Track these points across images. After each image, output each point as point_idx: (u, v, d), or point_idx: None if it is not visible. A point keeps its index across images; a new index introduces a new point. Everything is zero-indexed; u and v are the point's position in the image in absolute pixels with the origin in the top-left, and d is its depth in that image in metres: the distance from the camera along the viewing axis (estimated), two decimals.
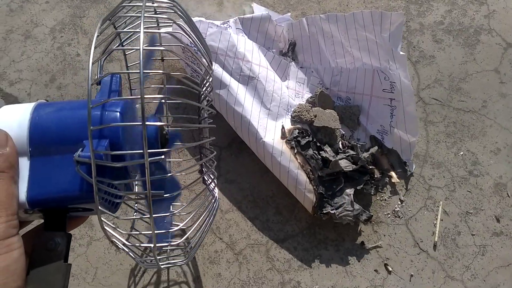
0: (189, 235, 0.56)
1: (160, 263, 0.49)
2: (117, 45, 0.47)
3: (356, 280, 0.88)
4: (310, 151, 0.90)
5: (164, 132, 0.46)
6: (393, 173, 0.96)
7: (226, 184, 0.97)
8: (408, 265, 0.89)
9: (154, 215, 0.37)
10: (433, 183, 0.96)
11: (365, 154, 0.94)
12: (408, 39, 1.09)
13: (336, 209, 0.88)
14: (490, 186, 0.94)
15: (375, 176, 0.95)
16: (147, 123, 0.35)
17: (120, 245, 0.47)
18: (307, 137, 0.92)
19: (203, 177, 0.61)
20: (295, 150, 0.90)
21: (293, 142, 0.91)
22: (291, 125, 0.94)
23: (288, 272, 0.89)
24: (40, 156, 0.38)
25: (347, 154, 0.93)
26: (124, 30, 0.44)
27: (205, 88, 0.56)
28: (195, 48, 0.53)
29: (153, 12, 0.46)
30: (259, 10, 1.09)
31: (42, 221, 0.39)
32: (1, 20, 1.17)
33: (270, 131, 0.92)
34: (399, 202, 0.94)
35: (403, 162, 0.97)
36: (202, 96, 0.57)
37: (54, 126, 0.38)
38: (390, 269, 0.88)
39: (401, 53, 0.90)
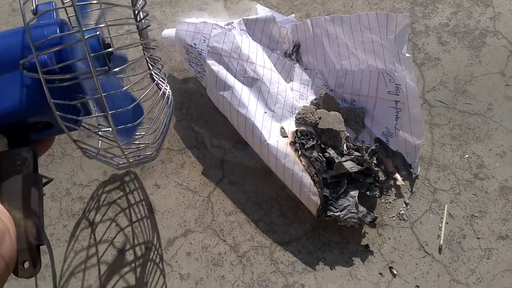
0: (151, 128, 0.59)
1: (131, 161, 0.54)
2: None
3: (360, 283, 0.87)
4: (315, 153, 0.90)
5: (106, 42, 0.49)
6: (398, 176, 0.96)
7: (229, 186, 0.97)
8: (413, 268, 0.88)
9: (110, 112, 0.41)
10: (438, 186, 0.95)
11: (369, 151, 0.94)
12: (413, 41, 1.09)
13: (341, 211, 0.87)
14: (496, 189, 0.94)
15: (380, 178, 0.94)
16: (86, 35, 0.37)
17: (91, 150, 0.50)
18: (311, 139, 0.91)
19: (151, 74, 0.64)
20: (299, 152, 0.90)
21: (297, 145, 0.90)
22: (296, 127, 0.94)
23: (292, 274, 0.89)
24: None
25: (352, 156, 0.92)
26: None
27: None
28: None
29: None
30: (263, 11, 1.08)
31: None
32: (3, 20, 1.17)
33: (274, 133, 0.92)
34: (404, 205, 0.94)
35: (408, 164, 0.97)
36: None
37: None
38: (395, 272, 0.88)
39: (407, 55, 0.90)
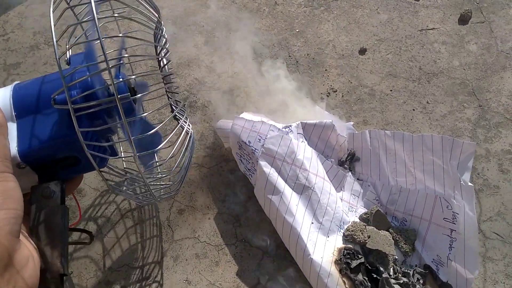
0: (174, 165, 0.63)
1: (153, 191, 0.58)
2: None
3: None
4: (360, 276, 0.84)
5: (132, 86, 0.54)
6: None
7: None
8: None
9: (132, 137, 0.45)
10: None
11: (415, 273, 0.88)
12: (472, 164, 1.04)
13: None
14: None
15: None
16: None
17: (113, 185, 0.54)
18: (358, 259, 0.86)
19: (175, 115, 0.66)
20: (343, 273, 0.84)
21: (343, 265, 0.85)
22: (342, 243, 0.89)
23: None
24: (24, 117, 0.44)
25: (400, 281, 0.86)
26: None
27: (159, 38, 0.63)
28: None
29: None
30: (321, 113, 1.06)
31: None
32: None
33: (320, 247, 0.87)
34: None
35: None
36: (159, 48, 0.64)
37: (32, 90, 0.46)
38: None
39: (469, 183, 0.85)
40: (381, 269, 0.87)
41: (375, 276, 0.86)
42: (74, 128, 0.42)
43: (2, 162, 0.37)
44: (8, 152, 0.40)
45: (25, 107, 0.45)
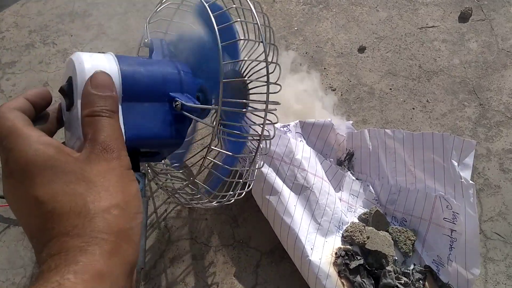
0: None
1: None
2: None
3: None
4: (359, 278, 0.83)
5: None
6: None
7: None
8: None
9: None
10: None
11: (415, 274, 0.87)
12: (473, 163, 1.03)
13: None
14: None
15: None
16: None
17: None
18: (357, 260, 0.85)
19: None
20: (342, 274, 0.83)
21: (342, 266, 0.83)
22: (341, 244, 0.88)
23: None
24: (129, 101, 0.41)
25: (401, 281, 0.85)
26: None
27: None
28: None
29: None
30: (320, 112, 1.05)
31: None
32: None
33: (318, 248, 0.85)
34: None
35: None
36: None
37: (142, 75, 0.43)
38: None
39: (470, 181, 0.84)
40: (384, 263, 0.85)
41: (376, 271, 0.84)
42: (181, 132, 0.45)
43: (126, 157, 0.33)
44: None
45: (134, 91, 0.42)
